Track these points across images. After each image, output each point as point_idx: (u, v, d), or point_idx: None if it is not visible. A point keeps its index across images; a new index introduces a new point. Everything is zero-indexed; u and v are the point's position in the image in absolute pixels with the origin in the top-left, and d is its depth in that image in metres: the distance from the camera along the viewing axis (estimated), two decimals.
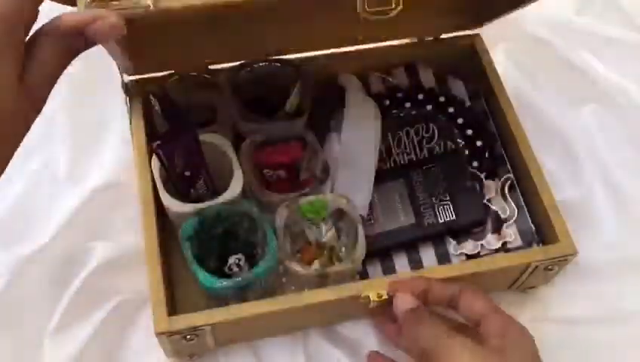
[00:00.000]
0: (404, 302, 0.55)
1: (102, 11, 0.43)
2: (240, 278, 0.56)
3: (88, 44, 0.43)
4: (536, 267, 0.61)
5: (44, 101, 0.43)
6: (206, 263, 0.58)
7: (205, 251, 0.59)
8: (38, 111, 0.43)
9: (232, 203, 0.60)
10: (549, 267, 0.62)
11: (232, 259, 0.59)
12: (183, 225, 0.58)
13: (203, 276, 0.56)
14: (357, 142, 0.68)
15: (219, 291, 0.56)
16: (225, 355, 0.64)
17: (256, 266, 0.57)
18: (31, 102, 0.41)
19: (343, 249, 0.62)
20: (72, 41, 0.42)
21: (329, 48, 0.71)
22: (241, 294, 0.58)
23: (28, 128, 0.43)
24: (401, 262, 0.64)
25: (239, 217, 0.59)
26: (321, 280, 0.59)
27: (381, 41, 0.72)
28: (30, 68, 0.40)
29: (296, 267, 0.57)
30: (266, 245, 0.58)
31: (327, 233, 0.61)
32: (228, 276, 0.59)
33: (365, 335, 0.65)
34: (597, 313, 0.69)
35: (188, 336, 0.56)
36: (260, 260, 0.57)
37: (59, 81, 0.77)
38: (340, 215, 0.62)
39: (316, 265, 0.60)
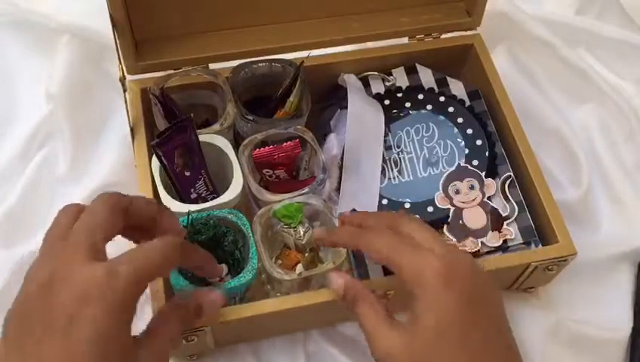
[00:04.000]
0: (335, 283, 0.51)
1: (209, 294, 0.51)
2: (211, 289, 0.54)
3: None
4: (536, 267, 0.61)
5: None
6: None
7: None
8: None
9: (228, 207, 0.59)
10: (549, 267, 0.62)
11: None
12: None
13: (175, 277, 0.54)
14: (362, 144, 0.68)
15: (187, 295, 0.54)
16: (225, 355, 0.64)
17: (231, 281, 0.55)
18: None
19: (322, 247, 0.62)
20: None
21: (329, 47, 0.71)
22: None
23: None
24: None
25: (227, 228, 0.58)
26: (305, 284, 0.59)
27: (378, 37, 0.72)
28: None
29: (281, 274, 0.56)
30: (248, 261, 0.56)
31: (305, 235, 0.60)
32: (209, 283, 0.57)
33: None
34: (597, 313, 0.69)
35: (188, 336, 0.56)
36: (238, 275, 0.56)
37: (59, 80, 0.78)
38: (315, 215, 0.61)
39: (300, 269, 0.59)
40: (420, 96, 0.72)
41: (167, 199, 0.59)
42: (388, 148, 0.69)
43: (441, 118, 0.70)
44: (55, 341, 0.39)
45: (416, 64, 0.74)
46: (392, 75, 0.73)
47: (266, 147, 0.64)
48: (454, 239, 0.64)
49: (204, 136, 0.62)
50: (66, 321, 0.39)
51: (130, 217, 0.47)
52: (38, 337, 0.40)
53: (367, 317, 0.48)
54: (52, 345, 0.39)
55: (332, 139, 0.69)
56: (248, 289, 0.58)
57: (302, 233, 0.60)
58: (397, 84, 0.73)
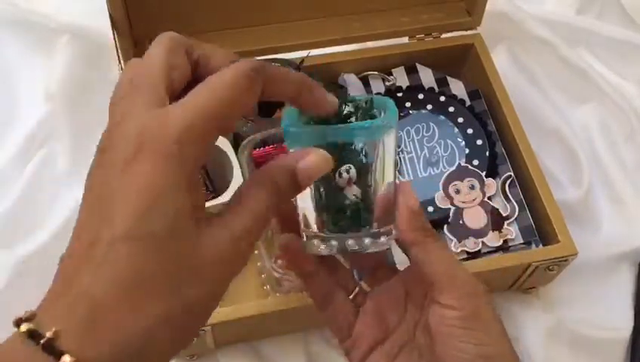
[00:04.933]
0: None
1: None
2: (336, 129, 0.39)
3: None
4: (537, 267, 0.61)
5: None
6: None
7: None
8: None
9: None
10: (550, 267, 0.62)
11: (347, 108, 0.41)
12: None
13: (290, 111, 0.40)
14: None
15: (297, 137, 0.40)
16: (225, 355, 0.64)
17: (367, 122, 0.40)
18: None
19: None
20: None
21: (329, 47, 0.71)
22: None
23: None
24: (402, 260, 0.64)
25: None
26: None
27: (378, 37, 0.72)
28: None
29: (281, 274, 0.56)
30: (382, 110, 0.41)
31: None
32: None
33: None
34: (597, 313, 0.69)
35: None
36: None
37: (59, 80, 0.78)
38: None
39: None
40: (420, 96, 0.72)
41: None
42: None
43: (442, 117, 0.70)
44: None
45: (417, 64, 0.74)
46: (392, 75, 0.73)
47: (266, 147, 0.64)
48: (454, 239, 0.64)
49: None
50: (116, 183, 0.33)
51: (199, 64, 0.38)
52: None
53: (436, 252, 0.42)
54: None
55: None
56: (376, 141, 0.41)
57: None
58: (397, 84, 0.73)
